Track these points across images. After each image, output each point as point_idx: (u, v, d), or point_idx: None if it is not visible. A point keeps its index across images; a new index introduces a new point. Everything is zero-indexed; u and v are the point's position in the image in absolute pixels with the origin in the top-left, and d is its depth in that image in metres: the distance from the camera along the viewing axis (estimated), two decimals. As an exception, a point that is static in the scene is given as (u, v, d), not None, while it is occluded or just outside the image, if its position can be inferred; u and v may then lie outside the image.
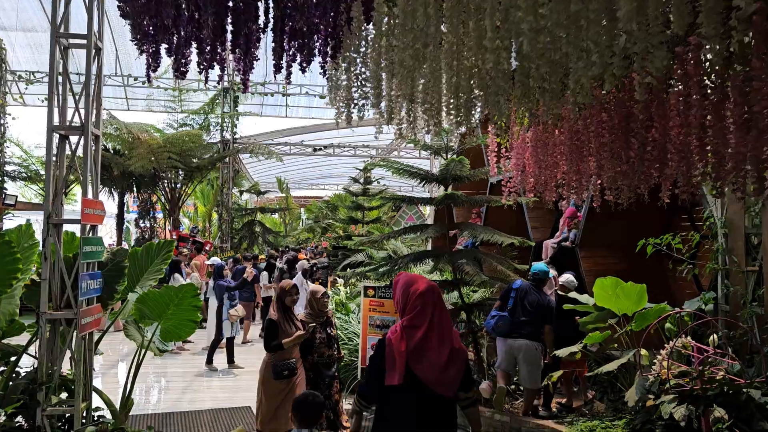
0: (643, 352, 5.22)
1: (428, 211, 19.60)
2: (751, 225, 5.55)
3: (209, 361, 9.56)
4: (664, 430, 4.69)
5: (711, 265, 5.70)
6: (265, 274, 12.84)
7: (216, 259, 11.89)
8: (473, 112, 3.95)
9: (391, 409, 2.84)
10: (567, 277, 6.76)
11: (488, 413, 6.38)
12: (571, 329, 6.27)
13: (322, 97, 19.21)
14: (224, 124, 19.67)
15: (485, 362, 7.44)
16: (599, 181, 4.26)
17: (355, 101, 4.06)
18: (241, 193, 23.62)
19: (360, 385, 3.12)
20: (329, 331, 5.57)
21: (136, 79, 18.71)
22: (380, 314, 7.47)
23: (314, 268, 10.64)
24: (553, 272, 7.14)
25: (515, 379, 6.65)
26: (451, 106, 3.96)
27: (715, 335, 5.07)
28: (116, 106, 20.62)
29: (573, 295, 6.45)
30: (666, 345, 5.02)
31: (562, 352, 5.86)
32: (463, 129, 4.23)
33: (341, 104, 4.20)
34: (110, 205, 19.50)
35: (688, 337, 4.88)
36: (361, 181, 16.34)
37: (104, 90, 19.86)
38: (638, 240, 6.50)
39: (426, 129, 4.21)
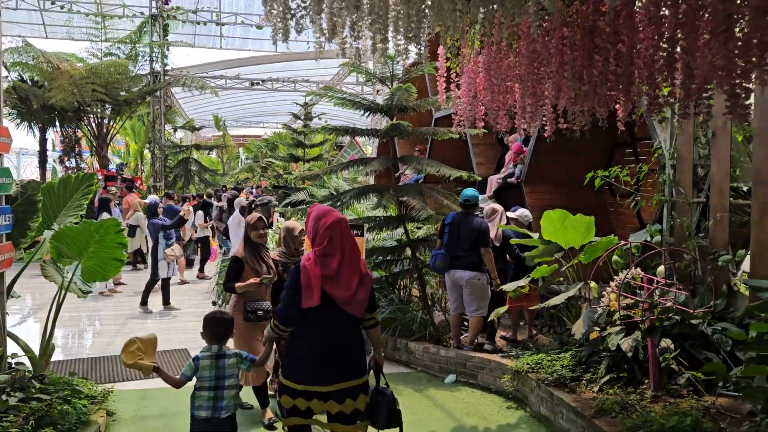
0: (593, 284, 5.17)
1: (371, 151, 19.22)
2: (698, 156, 5.50)
3: (143, 303, 9.14)
4: (609, 361, 4.69)
5: (658, 197, 5.66)
6: (200, 213, 12.31)
7: (154, 197, 11.28)
8: (423, 25, 3.60)
9: (306, 330, 3.14)
10: (522, 211, 6.64)
11: (433, 349, 6.30)
12: (519, 264, 6.20)
13: (259, 27, 18.19)
14: (153, 55, 18.38)
15: (430, 299, 7.35)
16: (552, 107, 4.04)
17: (293, 12, 3.61)
18: (175, 129, 22.53)
19: (277, 311, 3.29)
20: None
21: (53, 2, 17.13)
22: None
23: (253, 206, 10.18)
24: (496, 206, 6.98)
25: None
26: (400, 20, 3.59)
27: (662, 266, 5.04)
28: (32, 33, 18.94)
29: (513, 228, 6.35)
30: (615, 277, 4.97)
31: (509, 287, 5.78)
32: (412, 49, 3.88)
33: (277, 19, 3.72)
34: (31, 141, 18.20)
35: (638, 269, 4.84)
36: (302, 116, 15.75)
37: (18, 14, 18.22)
38: (581, 176, 6.42)
39: (372, 49, 3.85)
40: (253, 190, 20.83)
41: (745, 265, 5.05)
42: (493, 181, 8.97)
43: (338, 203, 7.10)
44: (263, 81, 20.85)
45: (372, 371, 3.42)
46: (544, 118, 4.21)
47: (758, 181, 4.75)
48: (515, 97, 4.25)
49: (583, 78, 3.29)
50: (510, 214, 6.68)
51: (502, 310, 6.07)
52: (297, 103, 16.39)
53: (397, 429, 3.40)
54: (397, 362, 6.63)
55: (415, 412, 5.16)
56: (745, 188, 5.33)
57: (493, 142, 10.11)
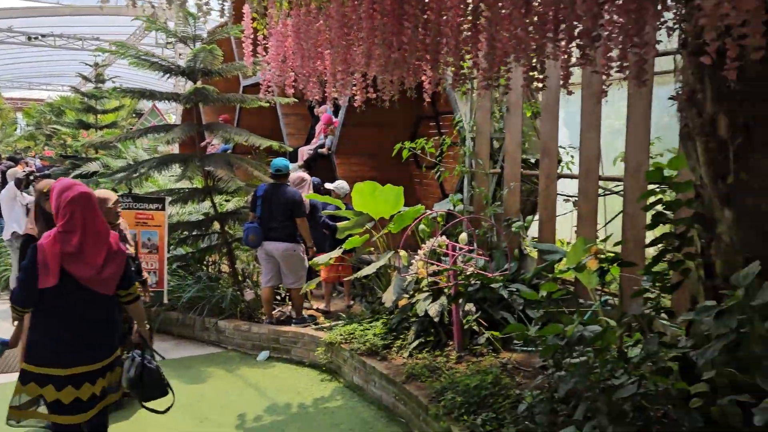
0: (402, 253, 5.30)
1: (174, 120, 17.96)
2: (494, 130, 5.87)
3: None
4: (418, 327, 4.86)
5: (459, 168, 5.96)
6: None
7: None
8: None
9: (48, 309, 3.01)
10: (339, 183, 6.64)
11: (245, 326, 6.07)
12: (333, 235, 6.19)
13: (36, -28, 15.89)
14: None
15: (241, 275, 7.06)
16: (362, 76, 3.98)
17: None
18: (-72, 88, 18.97)
19: (13, 291, 3.08)
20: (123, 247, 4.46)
21: None
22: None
23: (31, 177, 8.89)
24: (304, 174, 6.88)
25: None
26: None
27: (465, 234, 5.32)
28: None
29: (317, 197, 6.32)
30: (422, 245, 5.13)
31: (321, 259, 5.73)
32: (215, 6, 3.56)
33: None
34: None
35: (443, 237, 5.04)
36: (93, 79, 14.10)
37: None
38: (389, 148, 6.58)
39: (168, 1, 3.46)
40: (36, 161, 18.42)
41: (533, 230, 5.54)
42: (304, 152, 8.86)
43: (135, 174, 6.47)
44: (43, 36, 18.34)
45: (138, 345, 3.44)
46: (354, 88, 4.14)
47: (544, 153, 5.19)
48: (326, 64, 4.11)
49: (393, 45, 3.25)
50: (328, 185, 6.67)
51: (316, 281, 6.02)
52: (87, 64, 14.61)
53: (168, 398, 3.42)
54: (206, 343, 6.28)
55: (226, 393, 4.91)
56: (533, 160, 5.81)
57: (304, 112, 9.99)
